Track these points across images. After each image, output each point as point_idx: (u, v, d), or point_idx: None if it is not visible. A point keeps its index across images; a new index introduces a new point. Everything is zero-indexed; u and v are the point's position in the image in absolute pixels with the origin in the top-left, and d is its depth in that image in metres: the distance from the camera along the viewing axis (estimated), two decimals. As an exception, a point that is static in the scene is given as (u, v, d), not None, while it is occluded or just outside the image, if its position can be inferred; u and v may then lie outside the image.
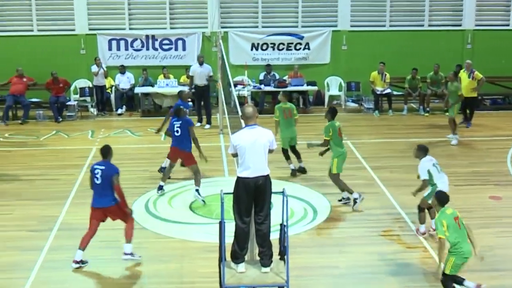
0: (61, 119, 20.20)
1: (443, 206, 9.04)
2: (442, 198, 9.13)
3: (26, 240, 11.42)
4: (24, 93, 20.44)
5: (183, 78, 21.44)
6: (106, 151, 10.44)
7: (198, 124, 19.13)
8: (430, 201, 10.74)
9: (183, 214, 12.50)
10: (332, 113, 13.01)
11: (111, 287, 10.02)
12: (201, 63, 19.12)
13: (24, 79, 20.57)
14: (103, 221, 10.58)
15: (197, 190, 13.05)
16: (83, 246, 10.42)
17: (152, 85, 21.31)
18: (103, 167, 10.29)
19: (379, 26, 22.81)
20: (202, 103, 19.33)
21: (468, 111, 19.14)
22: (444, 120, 18.42)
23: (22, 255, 10.84)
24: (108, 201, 10.36)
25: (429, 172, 11.01)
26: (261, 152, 8.83)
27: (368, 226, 11.81)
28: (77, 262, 10.34)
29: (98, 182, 10.27)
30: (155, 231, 11.74)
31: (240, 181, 8.80)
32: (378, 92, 21.11)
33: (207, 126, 19.07)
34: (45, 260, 10.60)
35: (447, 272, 8.95)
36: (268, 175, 8.89)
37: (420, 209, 11.29)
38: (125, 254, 10.52)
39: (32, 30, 21.86)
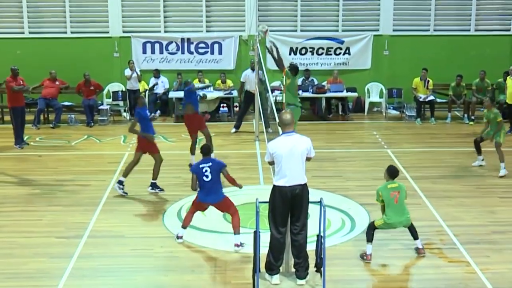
0: (92, 124, 20.39)
1: (391, 179, 10.92)
2: (390, 171, 11.03)
3: (55, 247, 11.51)
4: (56, 97, 20.70)
5: (218, 83, 21.50)
6: (208, 149, 11.46)
7: (234, 130, 19.20)
8: None
9: (216, 223, 12.50)
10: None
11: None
12: (253, 69, 19.11)
13: (57, 83, 20.83)
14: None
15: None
16: (186, 225, 11.56)
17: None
18: (210, 164, 11.19)
19: (422, 31, 22.63)
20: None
21: (515, 120, 18.95)
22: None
23: (51, 262, 10.92)
24: (217, 197, 11.32)
25: None
26: (298, 160, 8.83)
27: (408, 238, 11.64)
28: (179, 237, 11.59)
29: (207, 179, 11.13)
30: (188, 240, 11.74)
31: (276, 190, 8.81)
32: (421, 99, 20.94)
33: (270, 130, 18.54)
34: (74, 268, 10.66)
35: (375, 223, 10.84)
36: (305, 184, 8.89)
37: None
38: (236, 246, 11.16)
39: (65, 32, 22.11)
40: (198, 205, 11.49)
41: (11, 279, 10.36)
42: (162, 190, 14.00)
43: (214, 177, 11.13)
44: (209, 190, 11.20)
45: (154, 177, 14.03)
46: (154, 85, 21.41)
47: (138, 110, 14.01)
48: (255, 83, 18.24)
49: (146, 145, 13.96)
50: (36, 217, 12.91)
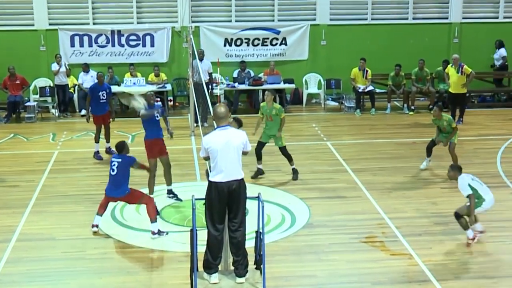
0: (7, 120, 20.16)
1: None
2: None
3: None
4: (-21, 93, 20.28)
5: (151, 77, 21.37)
6: (121, 146, 11.93)
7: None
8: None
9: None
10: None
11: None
12: (201, 59, 18.99)
13: (-23, 78, 20.40)
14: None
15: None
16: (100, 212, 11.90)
17: (119, 84, 21.19)
18: (119, 160, 11.75)
19: (360, 20, 22.90)
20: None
21: (458, 109, 19.30)
22: (429, 119, 18.43)
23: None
24: (122, 191, 11.76)
25: (470, 186, 11.18)
26: (234, 155, 8.85)
27: (349, 232, 11.84)
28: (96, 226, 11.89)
29: (113, 173, 11.71)
30: (122, 240, 11.67)
31: (212, 186, 8.82)
32: (360, 90, 21.19)
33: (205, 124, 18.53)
34: (2, 274, 10.50)
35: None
36: (242, 179, 8.92)
37: (458, 216, 11.31)
38: (153, 233, 11.58)
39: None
40: (106, 199, 11.98)
41: None
42: (179, 199, 13.46)
43: (119, 172, 11.67)
44: (113, 184, 11.78)
45: (169, 183, 13.53)
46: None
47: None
48: (202, 74, 18.00)
49: (159, 149, 13.26)
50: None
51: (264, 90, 20.69)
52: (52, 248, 11.41)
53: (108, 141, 16.57)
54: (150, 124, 13.13)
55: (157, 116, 13.18)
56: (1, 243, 11.50)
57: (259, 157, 14.65)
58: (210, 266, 8.94)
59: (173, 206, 13.15)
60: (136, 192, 11.92)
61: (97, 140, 16.45)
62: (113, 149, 16.40)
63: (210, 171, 9.01)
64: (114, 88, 20.87)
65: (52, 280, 10.39)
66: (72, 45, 21.93)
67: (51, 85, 21.28)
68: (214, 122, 9.16)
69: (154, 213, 11.69)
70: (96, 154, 16.36)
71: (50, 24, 21.83)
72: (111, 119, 16.66)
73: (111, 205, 12.36)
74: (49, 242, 11.65)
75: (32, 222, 12.38)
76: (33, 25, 21.80)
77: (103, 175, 14.74)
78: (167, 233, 11.70)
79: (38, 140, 18.25)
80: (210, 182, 8.87)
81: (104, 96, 16.39)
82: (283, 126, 14.59)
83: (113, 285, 10.14)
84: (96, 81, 16.93)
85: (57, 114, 20.81)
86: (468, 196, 11.19)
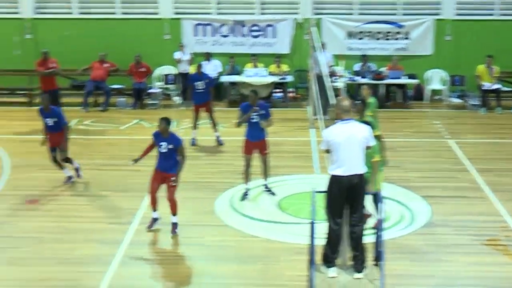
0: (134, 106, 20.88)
1: None
2: None
3: (105, 233, 11.71)
4: (105, 79, 20.96)
5: (273, 67, 21.51)
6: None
7: None
8: None
9: (270, 212, 12.56)
10: None
11: (187, 285, 10.14)
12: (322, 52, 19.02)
13: (105, 65, 21.08)
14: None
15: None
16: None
17: (239, 74, 21.45)
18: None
19: (488, 15, 22.28)
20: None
21: None
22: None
23: (100, 248, 11.13)
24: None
25: None
26: (356, 149, 8.79)
27: (470, 233, 11.57)
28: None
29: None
30: (239, 229, 11.83)
31: (333, 180, 8.79)
32: (485, 88, 20.63)
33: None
34: (124, 255, 10.86)
35: None
36: (363, 174, 8.85)
37: None
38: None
39: (114, 13, 22.34)
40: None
41: (60, 264, 10.58)
42: (273, 193, 13.46)
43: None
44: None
45: (265, 178, 13.52)
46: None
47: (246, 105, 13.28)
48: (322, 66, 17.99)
49: (257, 150, 13.21)
50: (85, 202, 13.18)
51: (388, 85, 20.60)
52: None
53: (215, 131, 16.92)
54: (249, 125, 13.14)
55: (253, 118, 13.01)
56: (124, 224, 11.87)
57: None
58: (329, 260, 8.94)
59: (291, 198, 13.21)
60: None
61: (194, 127, 16.88)
62: (221, 138, 16.75)
63: (330, 165, 8.97)
64: (235, 78, 21.23)
65: (170, 264, 10.69)
66: (195, 34, 22.33)
67: (175, 73, 21.75)
68: (335, 115, 9.11)
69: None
70: (192, 141, 16.77)
71: (174, 14, 22.29)
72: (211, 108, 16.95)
73: (230, 194, 12.49)
74: (168, 227, 11.91)
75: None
76: (158, 13, 22.32)
77: (223, 163, 15.12)
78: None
79: (160, 126, 18.65)
80: (331, 176, 8.86)
81: (202, 86, 16.67)
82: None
83: (230, 273, 10.29)
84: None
85: (179, 102, 21.25)
86: None
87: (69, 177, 14.13)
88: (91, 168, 15.05)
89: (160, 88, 21.61)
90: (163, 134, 11.42)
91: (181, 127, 18.31)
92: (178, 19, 22.24)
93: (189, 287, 10.01)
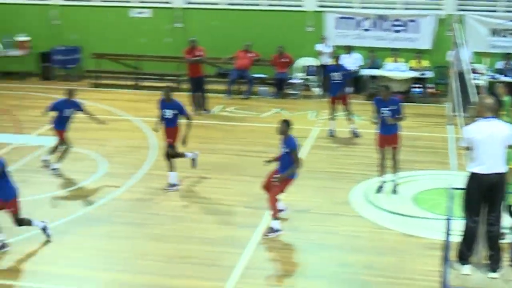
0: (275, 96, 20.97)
1: None
2: None
3: (243, 216, 11.90)
4: (249, 68, 21.20)
5: (413, 63, 21.08)
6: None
7: None
8: None
9: (404, 206, 12.33)
10: None
11: (317, 271, 10.12)
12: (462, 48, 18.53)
13: (250, 54, 21.31)
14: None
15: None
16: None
17: (380, 68, 21.18)
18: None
19: None
20: None
21: None
22: None
23: (237, 231, 11.31)
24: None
25: None
26: (497, 147, 8.51)
27: None
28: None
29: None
30: (373, 221, 11.69)
31: (472, 177, 8.54)
32: None
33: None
34: (259, 239, 10.97)
35: None
36: (504, 173, 8.53)
37: None
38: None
39: (260, 5, 22.54)
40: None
41: (199, 243, 10.86)
42: (395, 192, 13.19)
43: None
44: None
45: (395, 172, 13.23)
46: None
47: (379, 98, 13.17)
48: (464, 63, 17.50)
49: (390, 143, 12.99)
50: (225, 185, 13.42)
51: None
52: (307, 221, 11.74)
53: (351, 123, 16.86)
54: (381, 119, 12.89)
55: (384, 113, 12.78)
56: (260, 209, 11.92)
57: None
58: (463, 257, 8.69)
59: (426, 193, 12.93)
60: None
61: (332, 118, 16.84)
62: (357, 131, 16.57)
63: (469, 162, 8.70)
64: (375, 71, 20.96)
65: (305, 251, 10.72)
66: (338, 27, 22.19)
67: (316, 64, 21.73)
68: (477, 112, 8.82)
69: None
70: (330, 132, 16.78)
71: (318, 6, 22.24)
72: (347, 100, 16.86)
73: (365, 185, 12.34)
74: (304, 215, 11.97)
75: (289, 194, 12.61)
76: (302, 6, 22.34)
77: (359, 155, 15.00)
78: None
79: (299, 116, 18.70)
80: (470, 173, 8.59)
81: (339, 78, 16.58)
82: None
83: (361, 263, 10.19)
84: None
85: (320, 93, 21.21)
86: None
87: (172, 185, 13.33)
88: (232, 153, 15.35)
89: (301, 79, 21.64)
90: (282, 136, 11.17)
91: (320, 118, 18.26)
92: (322, 12, 22.16)
93: (319, 273, 9.97)
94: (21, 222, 10.61)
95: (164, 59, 22.46)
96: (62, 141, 14.15)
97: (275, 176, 11.14)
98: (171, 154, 13.30)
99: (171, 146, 13.28)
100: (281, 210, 11.48)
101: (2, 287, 9.64)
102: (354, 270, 10.01)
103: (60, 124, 14.09)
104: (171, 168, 13.31)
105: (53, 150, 14.28)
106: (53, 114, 14.12)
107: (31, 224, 10.76)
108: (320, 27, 22.11)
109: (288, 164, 11.01)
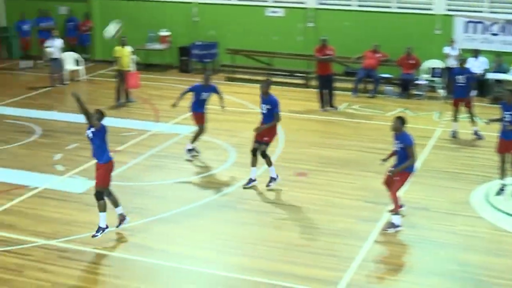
0: (400, 95, 20.93)
1: None
2: None
3: (363, 210, 12.14)
4: (376, 68, 21.27)
5: (536, 68, 20.56)
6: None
7: None
8: None
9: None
10: None
11: (439, 270, 10.16)
12: None
13: (378, 55, 21.37)
14: None
15: None
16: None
17: (506, 72, 20.75)
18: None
19: None
20: None
21: None
22: None
23: (358, 224, 11.56)
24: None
25: None
26: None
27: None
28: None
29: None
30: (493, 222, 11.65)
31: None
32: None
33: None
34: (379, 233, 11.20)
35: None
36: None
37: None
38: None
39: (390, 7, 22.54)
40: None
41: (319, 234, 11.23)
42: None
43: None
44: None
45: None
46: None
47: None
48: None
49: (509, 144, 12.87)
50: (349, 180, 13.68)
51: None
52: (425, 218, 11.84)
53: (474, 125, 16.66)
54: (503, 124, 12.79)
55: (506, 117, 12.68)
56: (380, 204, 12.15)
57: None
58: None
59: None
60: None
61: (454, 120, 16.66)
62: (480, 133, 16.35)
63: None
64: (501, 76, 20.56)
65: (423, 248, 10.83)
66: (465, 31, 21.89)
67: (442, 67, 21.53)
68: None
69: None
70: (452, 133, 16.68)
71: (447, 10, 22.00)
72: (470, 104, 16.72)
73: (486, 187, 12.24)
74: (423, 212, 12.06)
75: (409, 191, 12.74)
76: (431, 9, 22.16)
77: (481, 157, 14.89)
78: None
79: (423, 116, 18.66)
80: None
81: (463, 80, 16.49)
82: None
83: (478, 263, 10.24)
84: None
85: (444, 95, 21.02)
86: None
87: (273, 178, 13.23)
88: (356, 149, 15.55)
89: (427, 80, 21.49)
90: (396, 132, 11.25)
91: (443, 119, 18.16)
92: (450, 15, 21.91)
93: (435, 270, 10.06)
94: (100, 195, 10.68)
95: (295, 56, 22.87)
96: (201, 124, 14.76)
97: (390, 169, 11.31)
98: (262, 153, 13.06)
99: (266, 144, 13.00)
100: (401, 206, 11.61)
101: (134, 262, 10.26)
102: (471, 269, 10.06)
103: (200, 107, 14.73)
104: (264, 164, 13.22)
105: (195, 138, 14.93)
106: (190, 97, 14.74)
107: (114, 204, 10.93)
108: (448, 30, 21.86)
109: (404, 159, 11.14)
